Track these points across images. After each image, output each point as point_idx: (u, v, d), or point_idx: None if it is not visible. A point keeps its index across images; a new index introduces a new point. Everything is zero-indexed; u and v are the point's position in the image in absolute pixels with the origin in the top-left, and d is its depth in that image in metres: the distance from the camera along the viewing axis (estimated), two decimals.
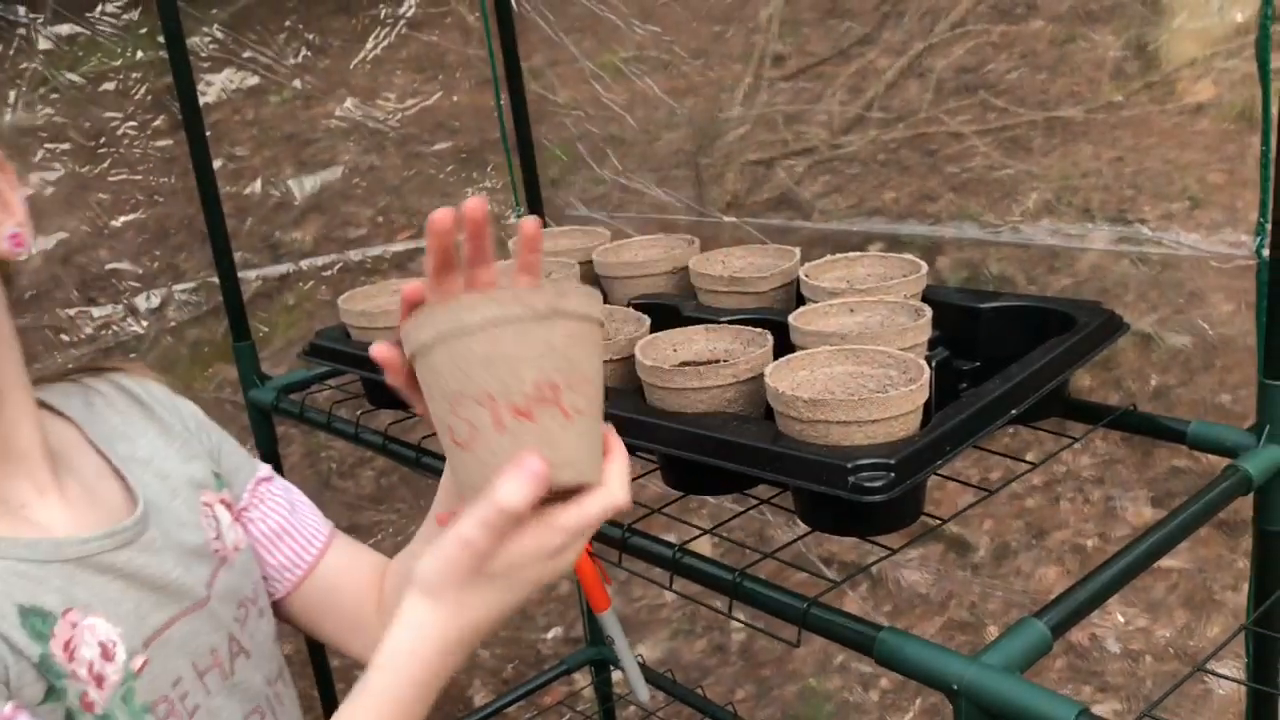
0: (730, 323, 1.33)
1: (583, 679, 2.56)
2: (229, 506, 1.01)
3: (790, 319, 1.24)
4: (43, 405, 0.91)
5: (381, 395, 1.53)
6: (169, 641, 0.87)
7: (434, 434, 1.49)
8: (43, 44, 1.62)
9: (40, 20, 1.61)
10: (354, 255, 1.95)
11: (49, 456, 0.87)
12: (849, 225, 2.12)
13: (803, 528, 1.12)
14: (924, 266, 1.36)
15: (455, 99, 2.01)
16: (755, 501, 1.20)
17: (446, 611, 0.76)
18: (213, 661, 0.92)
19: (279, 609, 1.07)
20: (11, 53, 1.61)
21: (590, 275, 1.59)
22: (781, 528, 2.24)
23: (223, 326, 1.85)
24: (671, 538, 1.15)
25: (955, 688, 0.86)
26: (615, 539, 1.17)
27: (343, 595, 1.09)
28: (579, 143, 2.05)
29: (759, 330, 1.23)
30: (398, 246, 2.01)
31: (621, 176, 2.04)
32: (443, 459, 1.41)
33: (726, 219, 1.92)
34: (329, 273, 1.94)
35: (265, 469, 1.10)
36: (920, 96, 2.26)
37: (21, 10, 1.58)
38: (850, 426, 1.02)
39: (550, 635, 2.72)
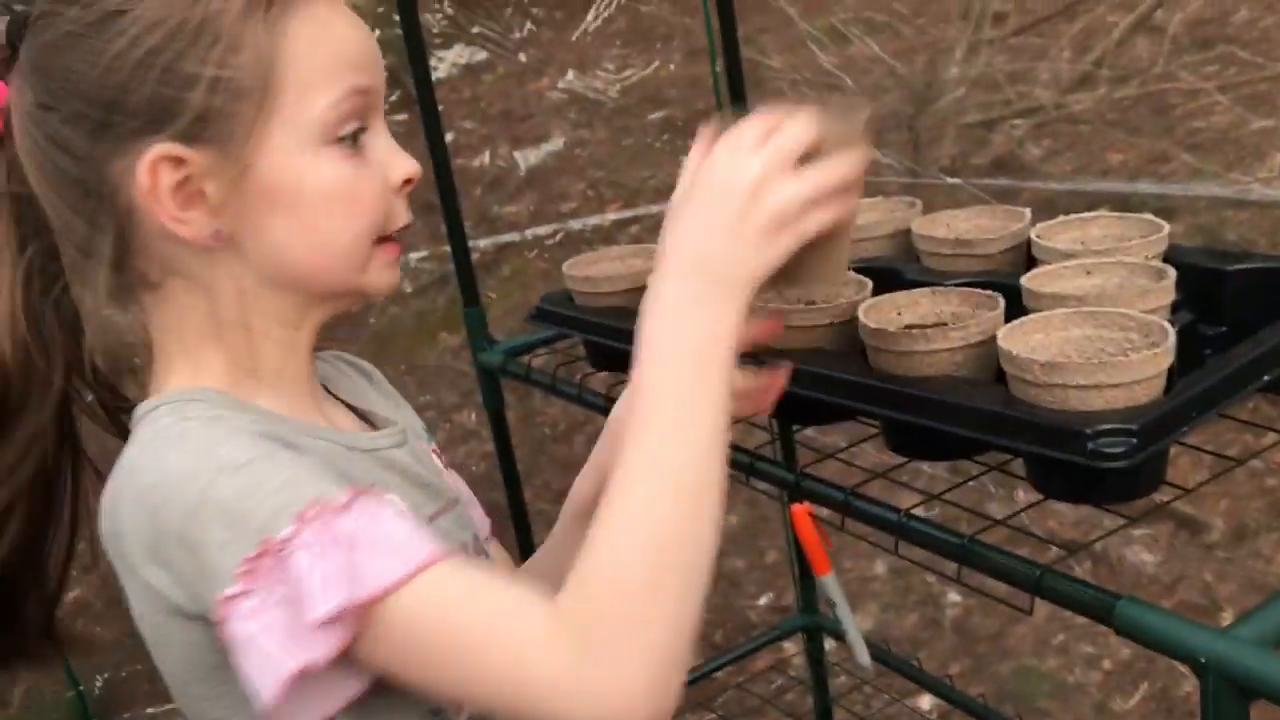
0: (957, 286, 1.30)
1: (793, 647, 2.56)
2: (438, 456, 1.09)
3: (1023, 281, 1.20)
4: None
5: (603, 358, 1.57)
6: (438, 532, 0.94)
7: None
8: None
9: None
10: (574, 225, 2.00)
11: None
12: (1076, 186, 2.04)
13: (1023, 501, 1.09)
14: (1165, 226, 1.29)
15: (671, 69, 2.03)
16: (979, 470, 1.17)
17: (682, 260, 0.80)
18: (478, 548, 1.02)
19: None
20: None
21: None
22: (1002, 500, 2.18)
23: (444, 297, 1.93)
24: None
25: (1203, 660, 0.83)
26: (837, 502, 1.17)
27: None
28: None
29: (988, 293, 1.20)
30: (613, 216, 2.05)
31: None
32: None
33: (949, 180, 1.88)
34: (551, 242, 2.00)
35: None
36: (1153, 52, 2.14)
37: None
38: (1089, 391, 0.99)
39: (761, 602, 2.74)
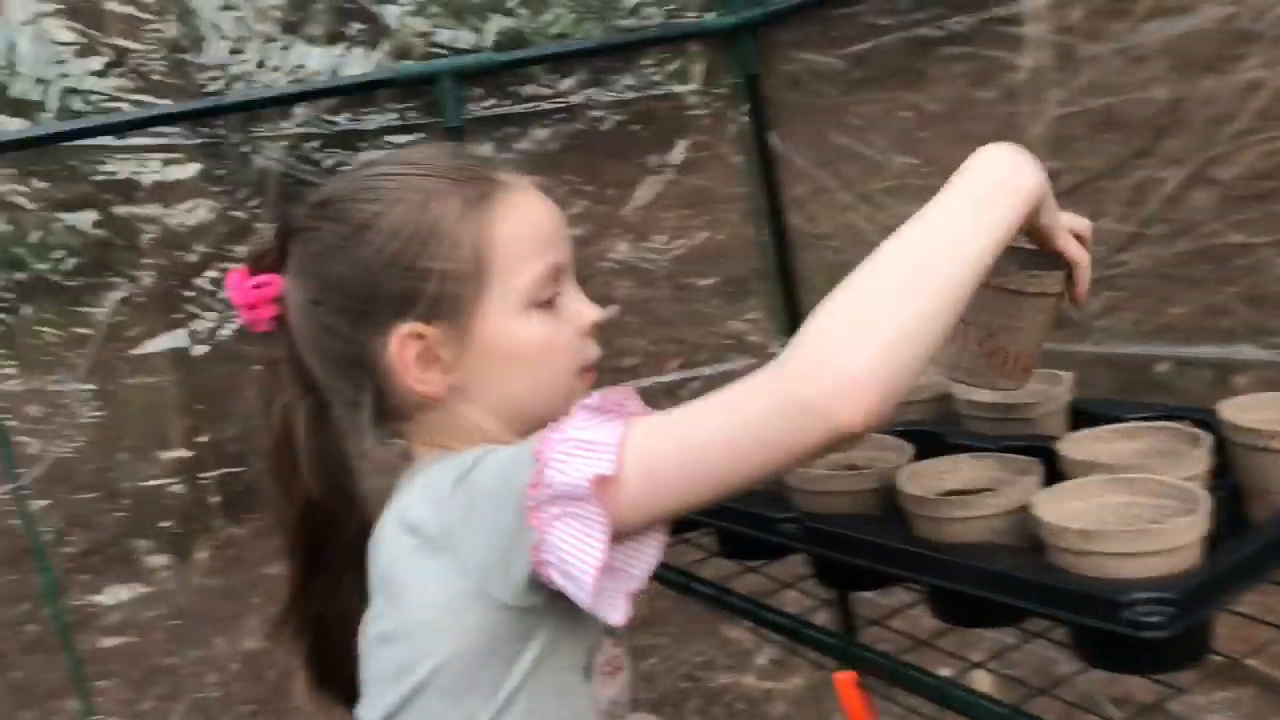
0: (996, 450, 1.32)
1: None
2: None
3: (1059, 447, 1.22)
4: None
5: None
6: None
7: (703, 559, 1.54)
8: None
9: None
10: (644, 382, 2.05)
11: None
12: (1131, 348, 2.04)
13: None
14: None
15: (721, 236, 2.10)
16: (1031, 635, 1.17)
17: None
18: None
19: None
20: None
21: None
22: (1069, 663, 2.13)
23: None
24: (947, 671, 1.13)
25: None
26: (882, 667, 1.17)
27: None
28: (840, 271, 2.09)
29: (1028, 459, 1.22)
30: (668, 377, 2.10)
31: None
32: (712, 585, 1.46)
33: None
34: None
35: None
36: (1206, 207, 2.17)
37: None
38: (1125, 558, 1.00)
39: None
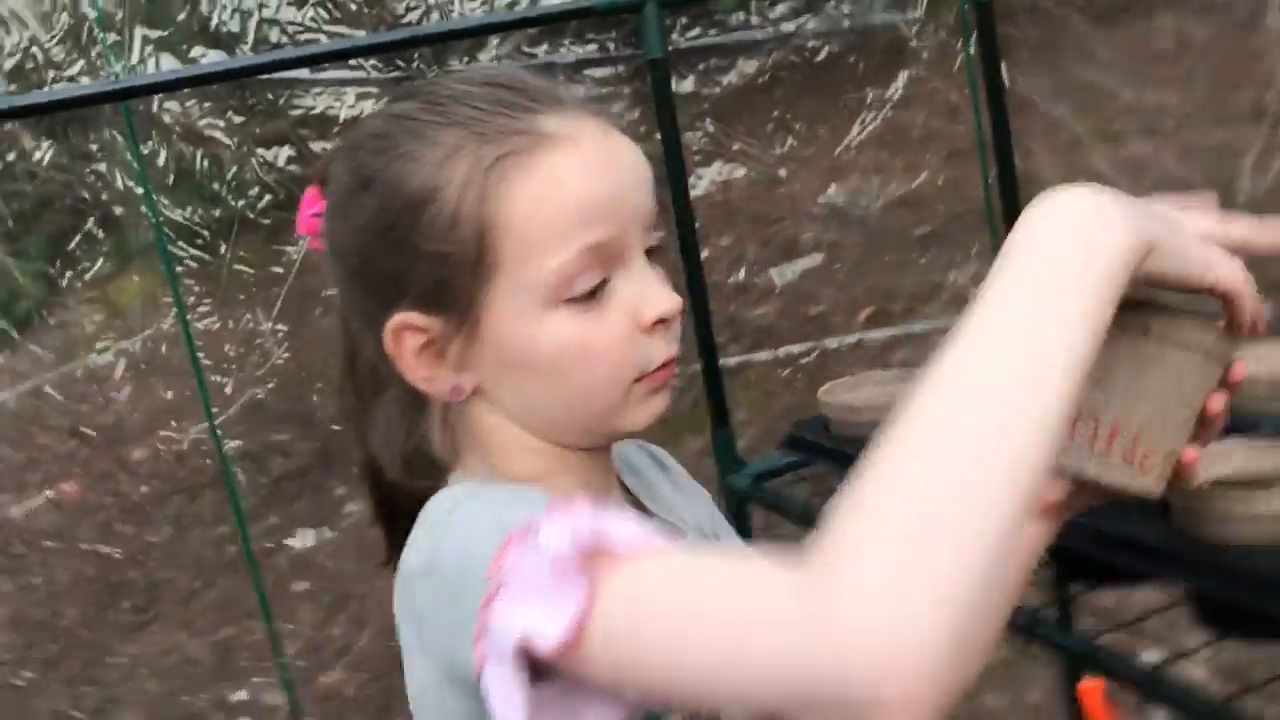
0: (1273, 434, 1.14)
1: None
2: None
3: None
4: None
5: None
6: None
7: None
8: None
9: None
10: (830, 343, 1.92)
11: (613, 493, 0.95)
12: None
13: None
14: None
15: (939, 181, 1.93)
16: None
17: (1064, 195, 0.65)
18: None
19: None
20: None
21: None
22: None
23: (688, 400, 1.87)
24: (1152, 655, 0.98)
25: None
26: (1140, 679, 1.02)
27: None
28: None
29: None
30: (875, 334, 1.95)
31: None
32: None
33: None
34: (806, 360, 1.92)
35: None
36: None
37: None
38: None
39: None
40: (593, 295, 0.78)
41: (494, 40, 1.68)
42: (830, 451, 1.46)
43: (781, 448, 1.57)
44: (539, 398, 0.82)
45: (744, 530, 1.84)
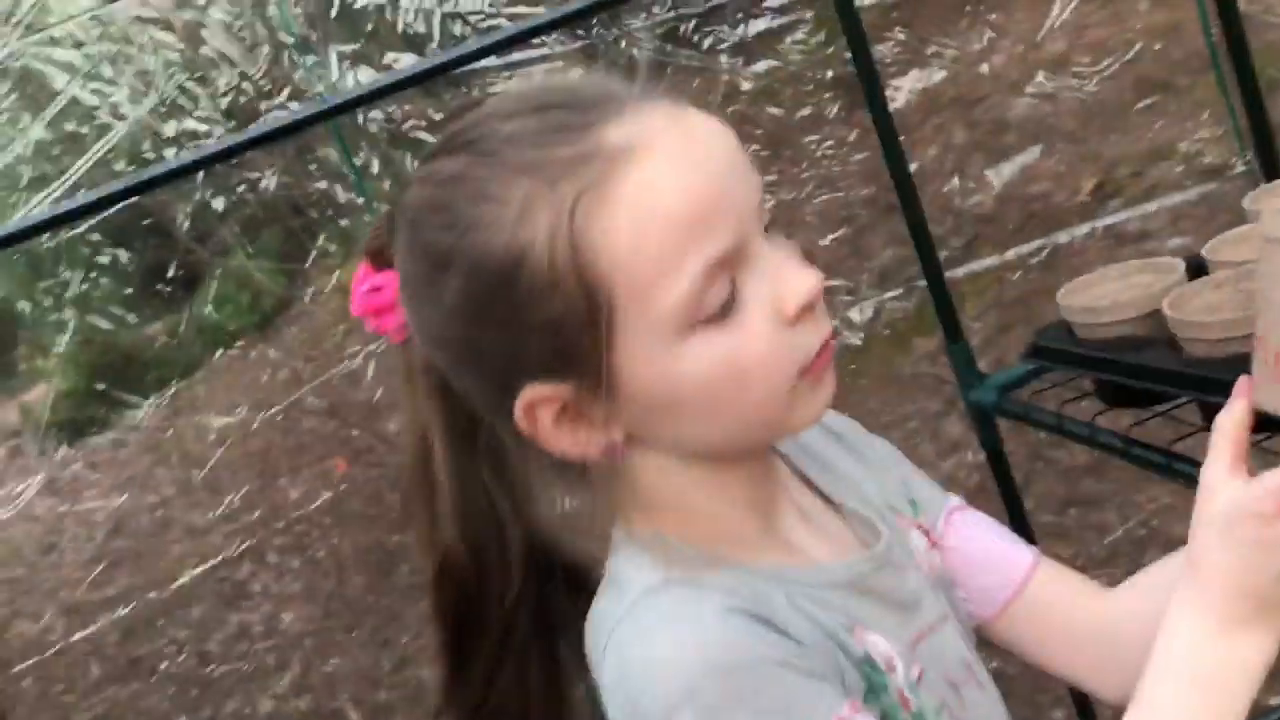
0: None
1: None
2: (925, 533, 0.98)
3: None
4: None
5: (1119, 393, 1.40)
6: (927, 654, 0.85)
7: (1188, 435, 1.33)
8: (745, 85, 1.72)
9: (740, 63, 1.70)
10: (1061, 237, 1.83)
11: (789, 488, 0.89)
12: None
13: None
14: None
15: (1156, 45, 1.80)
16: None
17: (1216, 583, 0.71)
18: (967, 675, 0.90)
19: (982, 631, 1.02)
20: (719, 99, 1.72)
21: None
22: None
23: (912, 302, 1.83)
24: None
25: None
26: None
27: (1053, 616, 1.01)
28: None
29: None
30: (1107, 219, 1.84)
31: None
32: (1197, 464, 1.25)
33: None
34: (1035, 260, 1.84)
35: (956, 500, 1.05)
36: None
37: (724, 58, 1.69)
38: None
39: None
40: (726, 307, 0.71)
41: None
42: (1078, 357, 1.39)
43: (1025, 358, 1.51)
44: (698, 430, 0.75)
45: (993, 444, 1.79)
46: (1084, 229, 1.81)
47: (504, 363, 0.73)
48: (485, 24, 1.64)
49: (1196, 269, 1.37)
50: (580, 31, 1.66)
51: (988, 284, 1.79)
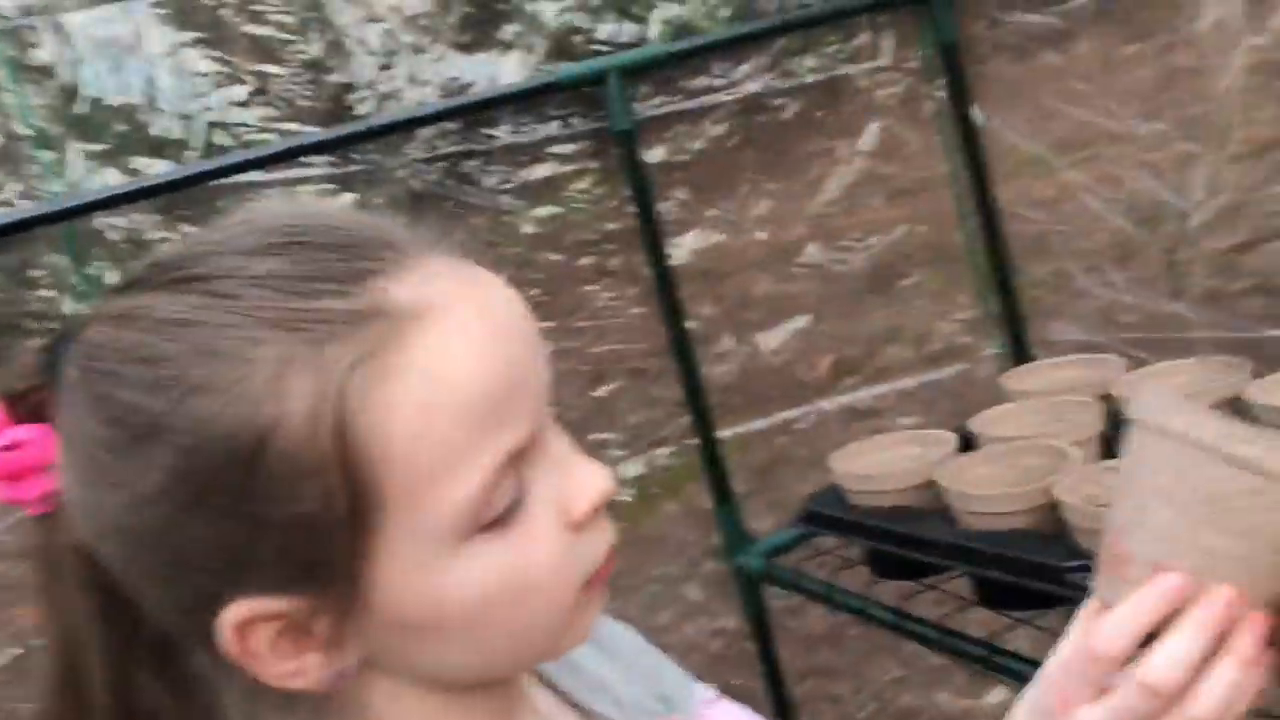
0: None
1: None
2: None
3: None
4: None
5: (888, 564, 1.39)
6: None
7: (951, 613, 1.32)
8: (526, 228, 1.67)
9: (523, 206, 1.66)
10: (825, 405, 1.85)
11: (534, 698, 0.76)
12: None
13: None
14: None
15: (923, 228, 1.88)
16: None
17: None
18: None
19: None
20: (500, 240, 1.67)
21: (1113, 413, 1.37)
22: None
23: (663, 466, 1.79)
24: None
25: None
26: None
27: None
28: (1062, 259, 1.85)
29: None
30: (865, 391, 1.89)
31: (1120, 292, 1.81)
32: (982, 645, 1.24)
33: (1271, 333, 1.64)
34: (800, 426, 1.85)
35: (709, 692, 0.97)
36: None
37: (506, 199, 1.64)
38: None
39: None
40: (510, 510, 0.58)
41: (454, 125, 1.61)
42: (851, 524, 1.38)
43: (797, 522, 1.49)
44: (455, 655, 0.60)
45: (758, 611, 1.75)
46: (830, 402, 1.84)
47: (217, 567, 0.55)
48: (250, 137, 1.53)
49: (965, 442, 1.40)
50: (358, 155, 1.57)
51: (732, 450, 1.79)
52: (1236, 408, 1.27)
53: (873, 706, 2.14)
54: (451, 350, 0.55)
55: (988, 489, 1.24)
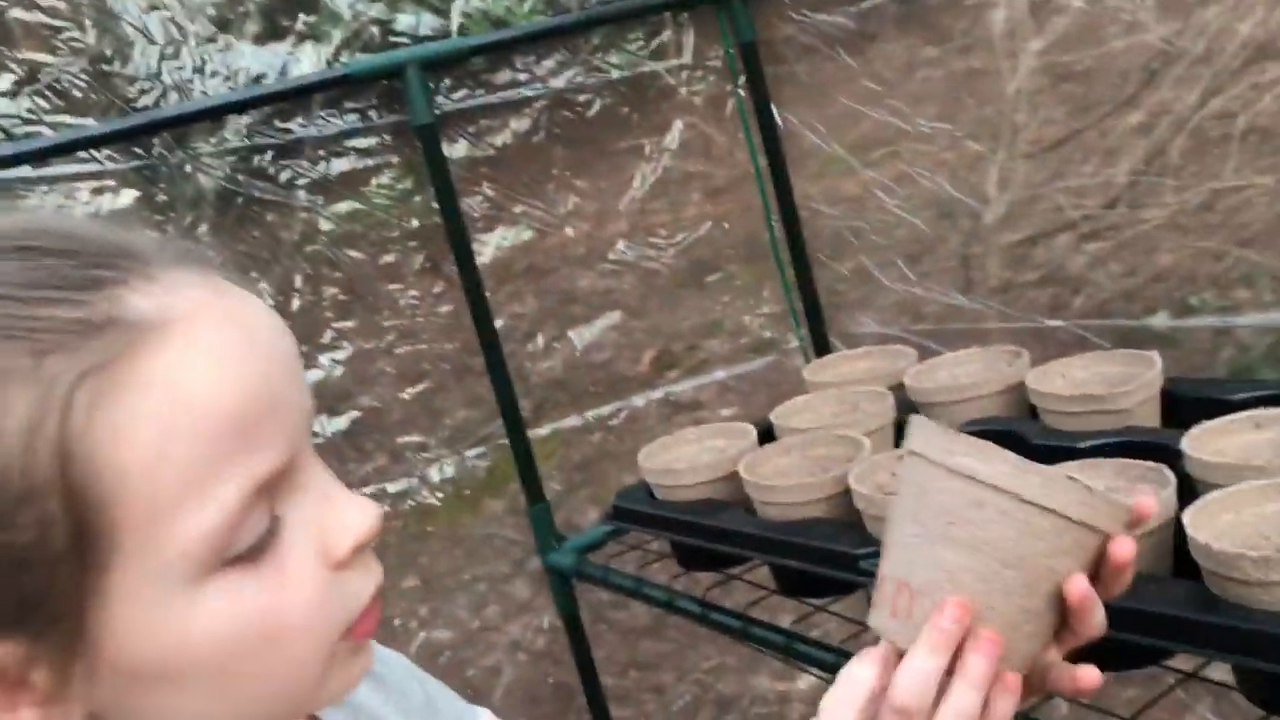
0: (1093, 450, 1.14)
1: None
2: None
3: (1187, 448, 1.03)
4: None
5: (694, 555, 1.40)
6: None
7: (759, 600, 1.35)
8: (325, 225, 1.62)
9: (320, 202, 1.61)
10: (637, 401, 1.86)
11: None
12: (1128, 306, 1.87)
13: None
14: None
15: (725, 225, 1.91)
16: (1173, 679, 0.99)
17: None
18: None
19: None
20: (296, 237, 1.61)
21: (904, 402, 1.42)
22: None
23: (483, 464, 1.77)
24: None
25: None
26: None
27: None
28: (861, 254, 1.91)
29: (1154, 466, 1.03)
30: (677, 387, 1.90)
31: (916, 286, 1.87)
32: (772, 629, 1.26)
33: (1050, 323, 1.72)
34: (614, 422, 1.85)
35: (484, 714, 0.95)
36: (1210, 151, 2.00)
37: (302, 194, 1.59)
38: None
39: None
40: (261, 544, 0.53)
41: (244, 118, 1.55)
42: (656, 519, 1.39)
43: (606, 519, 1.49)
44: (197, 708, 0.54)
45: (569, 608, 1.75)
46: (649, 396, 1.85)
47: None
48: (20, 130, 1.43)
49: (765, 434, 1.43)
50: (141, 151, 1.49)
51: (555, 446, 1.78)
52: (1018, 395, 1.33)
53: (693, 694, 2.16)
54: (195, 365, 0.50)
55: (784, 480, 1.27)
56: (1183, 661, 0.98)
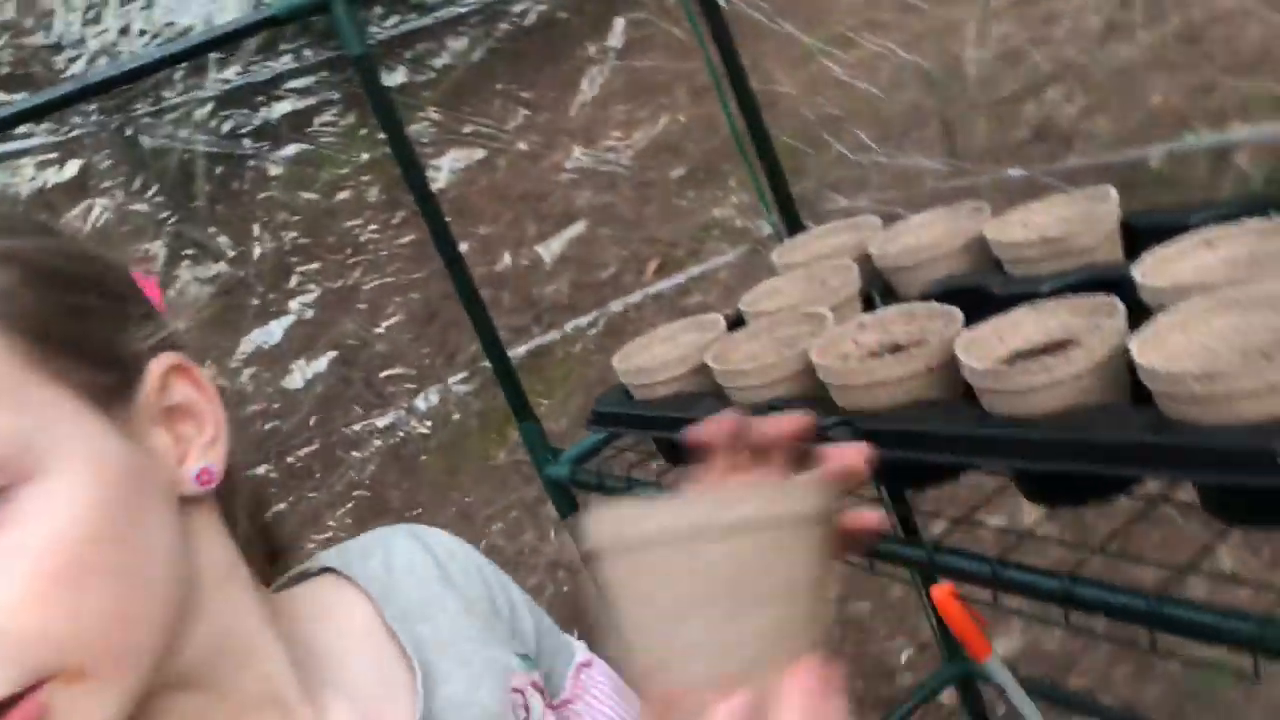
0: (1054, 292, 1.13)
1: (947, 695, 2.35)
2: (541, 692, 0.85)
3: (1137, 273, 1.02)
4: (339, 574, 0.81)
5: (678, 451, 1.41)
6: None
7: None
8: (274, 170, 1.61)
9: (266, 148, 1.59)
10: (614, 307, 1.85)
11: (309, 669, 0.73)
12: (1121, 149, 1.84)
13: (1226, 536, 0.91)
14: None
15: (681, 119, 1.89)
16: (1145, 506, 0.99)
17: None
18: None
19: None
20: (247, 186, 1.60)
21: (871, 271, 1.41)
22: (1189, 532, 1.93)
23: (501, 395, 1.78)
24: (1051, 564, 0.96)
25: None
26: (983, 576, 1.00)
27: None
28: (821, 130, 1.88)
29: (1103, 298, 1.02)
30: (653, 287, 1.90)
31: (878, 154, 1.85)
32: None
33: (1012, 172, 1.70)
34: (594, 330, 1.85)
35: (583, 652, 0.95)
36: None
37: (247, 142, 1.58)
38: (1262, 397, 0.81)
39: (904, 654, 2.53)
40: None
41: (179, 74, 1.53)
42: (636, 420, 1.40)
43: (588, 425, 1.50)
44: None
45: (574, 514, 1.76)
46: (635, 297, 1.85)
47: None
48: None
49: (736, 322, 1.42)
50: (79, 120, 1.48)
51: (549, 360, 1.79)
52: (983, 250, 1.32)
53: None
54: None
55: (750, 364, 1.27)
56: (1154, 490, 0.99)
